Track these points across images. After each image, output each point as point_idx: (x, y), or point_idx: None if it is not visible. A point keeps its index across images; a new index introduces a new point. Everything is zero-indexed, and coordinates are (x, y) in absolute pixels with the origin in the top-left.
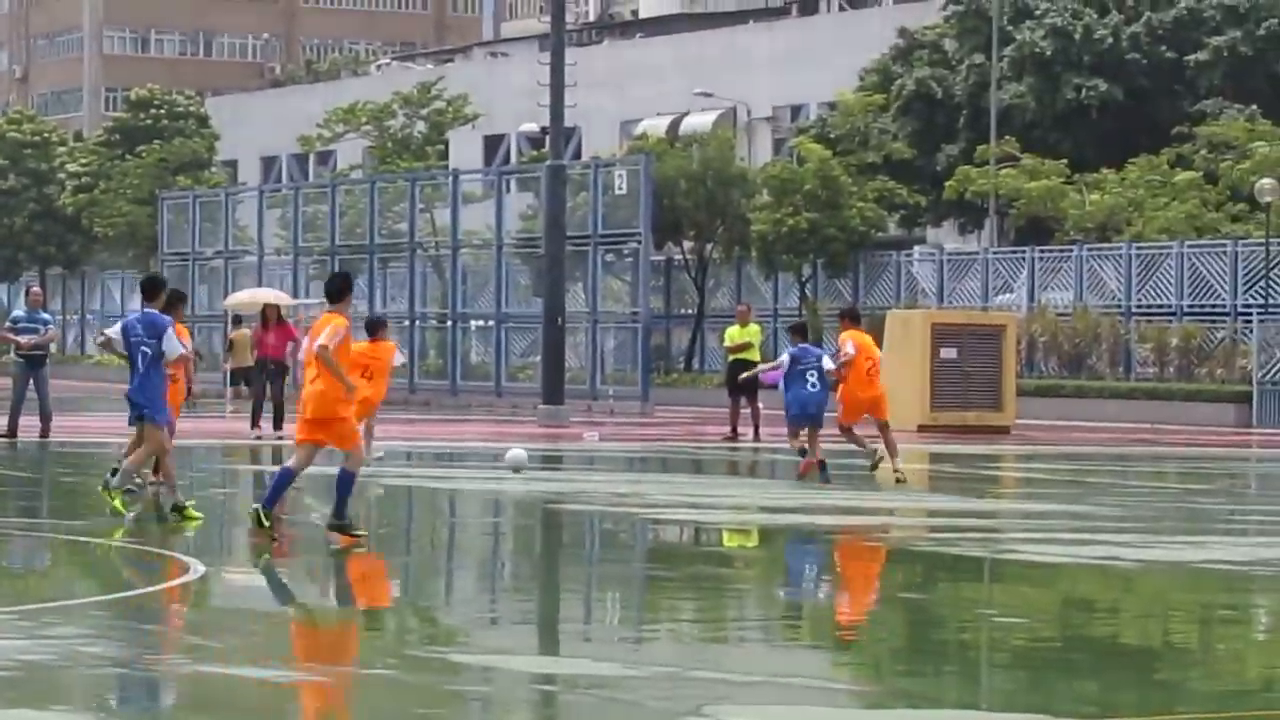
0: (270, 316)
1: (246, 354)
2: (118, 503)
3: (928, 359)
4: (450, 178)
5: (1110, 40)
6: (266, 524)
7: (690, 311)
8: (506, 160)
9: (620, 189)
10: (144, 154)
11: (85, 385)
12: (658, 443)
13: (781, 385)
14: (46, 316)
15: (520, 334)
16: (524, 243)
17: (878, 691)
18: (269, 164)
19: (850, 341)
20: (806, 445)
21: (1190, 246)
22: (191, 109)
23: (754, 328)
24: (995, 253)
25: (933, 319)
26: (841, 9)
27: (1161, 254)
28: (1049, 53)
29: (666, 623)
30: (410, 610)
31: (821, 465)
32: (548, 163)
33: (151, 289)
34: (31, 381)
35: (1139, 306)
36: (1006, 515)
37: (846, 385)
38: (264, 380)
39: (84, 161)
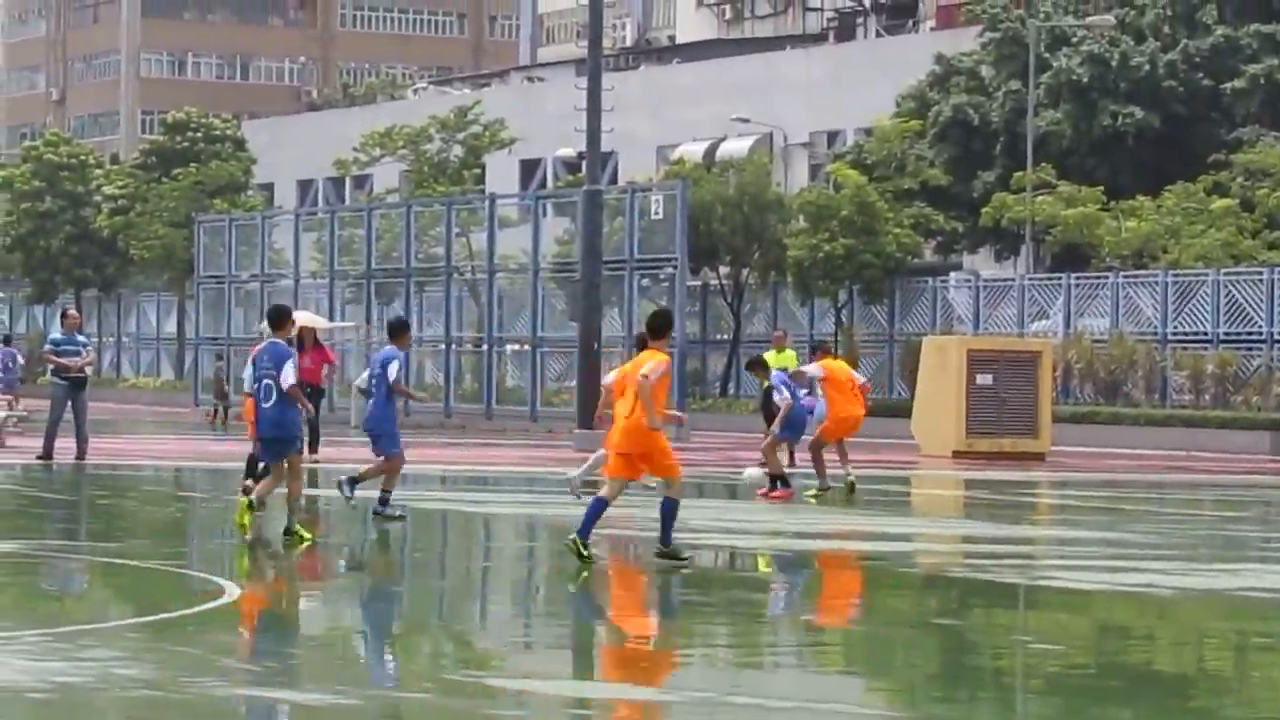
0: (307, 339)
1: None
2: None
3: (963, 385)
4: (486, 202)
5: (1147, 68)
6: (586, 553)
7: (726, 337)
8: (543, 185)
9: (656, 214)
10: (180, 177)
11: (120, 408)
12: (692, 468)
13: (793, 399)
14: (84, 339)
15: (555, 358)
16: (560, 267)
17: (912, 718)
18: (305, 187)
19: (814, 365)
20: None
21: (1226, 274)
22: (228, 132)
23: (790, 353)
24: (1031, 279)
25: (968, 345)
26: (879, 35)
27: (1197, 281)
28: (1086, 80)
29: (701, 648)
30: (445, 634)
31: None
32: (584, 187)
33: (278, 320)
34: (70, 404)
35: (1175, 334)
36: (1042, 542)
37: (835, 405)
38: None
39: (120, 184)
